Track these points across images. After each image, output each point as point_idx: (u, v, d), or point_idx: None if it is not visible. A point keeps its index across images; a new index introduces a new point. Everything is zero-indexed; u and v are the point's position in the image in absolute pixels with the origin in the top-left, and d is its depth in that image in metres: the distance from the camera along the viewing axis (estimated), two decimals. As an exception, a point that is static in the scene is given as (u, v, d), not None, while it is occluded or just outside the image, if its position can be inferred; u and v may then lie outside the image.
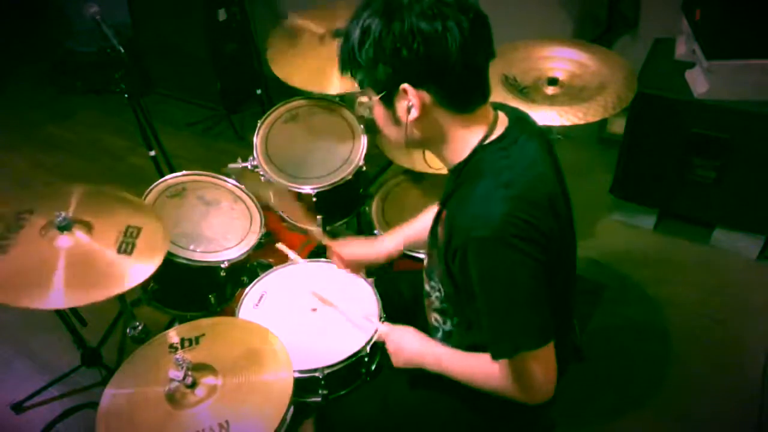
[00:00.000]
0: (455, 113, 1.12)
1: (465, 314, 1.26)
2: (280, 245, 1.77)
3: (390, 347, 1.40)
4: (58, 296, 1.35)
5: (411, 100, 1.07)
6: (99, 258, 1.47)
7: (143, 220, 1.59)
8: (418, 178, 2.17)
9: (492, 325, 1.11)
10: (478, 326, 1.15)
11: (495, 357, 1.14)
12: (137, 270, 1.46)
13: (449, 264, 1.15)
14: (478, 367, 1.20)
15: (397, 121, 1.13)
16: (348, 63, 1.11)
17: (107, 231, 1.53)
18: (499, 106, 1.21)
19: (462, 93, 1.09)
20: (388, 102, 1.11)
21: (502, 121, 1.17)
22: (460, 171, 1.16)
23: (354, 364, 1.55)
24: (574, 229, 1.29)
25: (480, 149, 1.13)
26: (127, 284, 1.43)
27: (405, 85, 1.06)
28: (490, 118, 1.16)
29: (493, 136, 1.14)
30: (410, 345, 1.36)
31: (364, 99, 1.15)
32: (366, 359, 1.57)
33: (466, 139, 1.14)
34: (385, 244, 1.61)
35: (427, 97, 1.08)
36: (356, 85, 1.15)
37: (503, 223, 1.03)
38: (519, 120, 1.20)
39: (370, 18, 1.04)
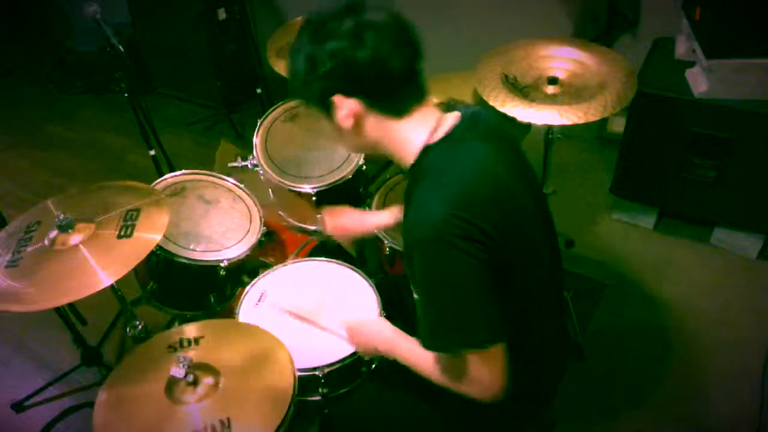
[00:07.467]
0: (391, 117, 1.16)
1: None
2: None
3: (356, 339, 1.46)
4: (103, 276, 1.42)
5: (343, 110, 1.14)
6: (111, 239, 1.53)
7: (141, 201, 1.64)
8: (418, 177, 2.17)
9: (435, 320, 1.12)
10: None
11: (431, 349, 1.16)
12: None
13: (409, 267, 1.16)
14: (427, 360, 1.21)
15: (339, 131, 1.19)
16: (290, 86, 1.19)
17: (108, 220, 1.58)
18: (455, 106, 1.23)
19: (389, 97, 1.15)
20: (328, 115, 1.18)
21: (453, 120, 1.19)
22: (411, 172, 1.19)
23: (354, 363, 1.55)
24: (552, 223, 1.31)
25: (428, 149, 1.16)
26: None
27: (334, 97, 1.13)
28: (434, 117, 1.18)
29: (440, 135, 1.16)
30: (369, 332, 1.41)
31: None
32: (366, 358, 1.57)
33: (408, 140, 1.17)
34: (375, 218, 1.70)
35: (358, 105, 1.13)
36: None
37: (443, 222, 1.05)
38: (474, 118, 1.21)
39: (299, 43, 1.14)
